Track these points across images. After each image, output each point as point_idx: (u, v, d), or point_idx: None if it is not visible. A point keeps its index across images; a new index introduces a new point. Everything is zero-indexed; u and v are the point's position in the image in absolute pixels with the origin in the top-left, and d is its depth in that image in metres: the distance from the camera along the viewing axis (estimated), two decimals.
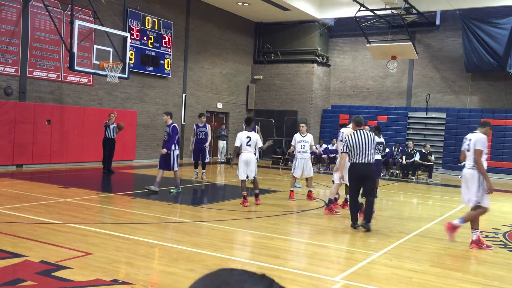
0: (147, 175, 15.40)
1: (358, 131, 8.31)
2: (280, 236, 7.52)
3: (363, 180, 8.13)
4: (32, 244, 6.23)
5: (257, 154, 10.49)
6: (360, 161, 8.08)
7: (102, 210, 9.36)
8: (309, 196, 11.45)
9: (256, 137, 10.12)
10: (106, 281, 4.97)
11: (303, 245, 7.03)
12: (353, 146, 8.14)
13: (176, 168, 11.30)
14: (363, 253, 6.71)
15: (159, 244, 6.63)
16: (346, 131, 9.50)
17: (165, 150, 11.07)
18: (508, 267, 6.42)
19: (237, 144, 10.08)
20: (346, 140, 8.27)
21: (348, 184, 8.55)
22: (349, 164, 8.34)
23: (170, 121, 11.31)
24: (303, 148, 11.24)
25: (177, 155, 11.35)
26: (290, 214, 9.52)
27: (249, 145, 10.00)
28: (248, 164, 9.99)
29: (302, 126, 11.72)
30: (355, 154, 8.12)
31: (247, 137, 10.03)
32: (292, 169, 11.38)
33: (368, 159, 8.11)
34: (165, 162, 11.25)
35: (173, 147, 11.18)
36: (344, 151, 8.30)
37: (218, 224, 8.29)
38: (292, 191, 11.41)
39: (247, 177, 10.04)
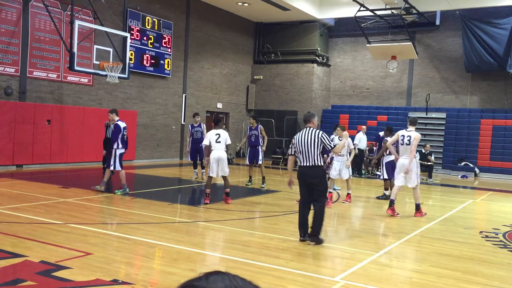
0: (147, 175, 15.41)
1: (305, 129, 7.35)
2: (280, 236, 7.52)
3: (310, 185, 7.18)
4: (32, 244, 6.23)
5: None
6: (304, 164, 7.15)
7: (102, 210, 9.36)
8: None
9: (226, 135, 10.15)
10: (106, 281, 4.97)
11: (303, 245, 7.03)
12: (297, 147, 7.28)
13: (118, 168, 10.84)
14: (363, 253, 6.70)
15: (159, 244, 6.63)
16: (415, 135, 9.79)
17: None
18: (508, 267, 6.42)
19: (205, 142, 10.18)
20: (292, 141, 7.51)
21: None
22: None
23: (116, 119, 10.99)
24: (341, 152, 11.31)
25: (120, 154, 10.89)
26: (290, 214, 9.52)
27: (219, 142, 10.06)
28: (218, 162, 10.02)
29: (340, 130, 11.52)
30: (300, 156, 7.22)
31: (216, 134, 10.10)
32: (329, 171, 11.43)
33: (311, 161, 7.10)
34: (108, 160, 10.95)
35: (115, 146, 10.79)
36: (291, 153, 7.49)
37: (218, 224, 8.29)
38: (330, 192, 11.41)
39: (217, 175, 10.11)
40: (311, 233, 7.06)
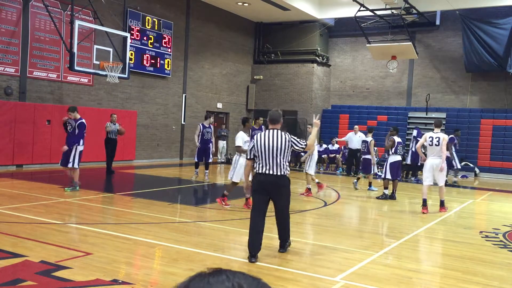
0: (147, 175, 15.41)
1: (270, 131, 6.24)
2: None
3: (272, 197, 6.26)
4: (32, 244, 6.24)
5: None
6: (267, 172, 6.12)
7: (102, 210, 9.36)
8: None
9: (236, 136, 9.79)
10: (106, 281, 4.97)
11: (303, 245, 7.03)
12: (259, 151, 6.16)
13: (76, 166, 10.80)
14: (363, 253, 6.71)
15: (159, 244, 6.63)
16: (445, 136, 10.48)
17: (65, 147, 10.76)
18: (508, 267, 6.42)
19: (243, 145, 9.61)
20: (253, 143, 6.31)
21: (251, 202, 6.50)
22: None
23: (78, 116, 10.96)
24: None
25: (81, 152, 10.89)
26: (290, 214, 9.51)
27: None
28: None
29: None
30: (261, 161, 6.15)
31: (245, 141, 9.63)
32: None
33: (279, 170, 6.13)
34: (66, 158, 10.84)
35: (80, 143, 10.82)
36: (249, 157, 6.33)
37: (218, 224, 8.29)
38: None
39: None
40: (282, 244, 6.47)
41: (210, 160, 14.24)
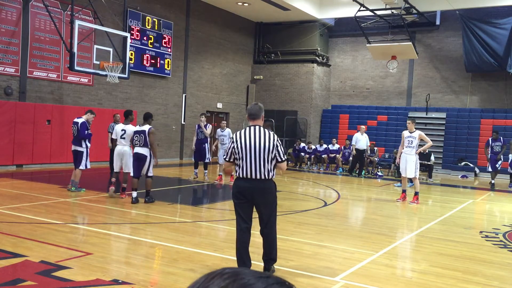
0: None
1: (251, 128, 5.37)
2: (280, 236, 7.49)
3: (255, 205, 5.39)
4: (32, 244, 6.24)
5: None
6: (249, 176, 5.27)
7: (102, 210, 9.36)
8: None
9: (131, 130, 10.14)
10: (106, 281, 4.98)
11: (303, 245, 7.03)
12: (240, 152, 5.30)
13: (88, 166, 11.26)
14: (363, 253, 6.70)
15: (159, 244, 6.63)
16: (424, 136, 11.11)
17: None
18: (508, 267, 6.42)
19: (113, 136, 10.58)
20: (232, 142, 5.43)
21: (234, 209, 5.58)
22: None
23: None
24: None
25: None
26: (290, 214, 9.52)
27: (123, 138, 10.29)
28: (122, 157, 10.30)
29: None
30: (242, 164, 5.29)
31: (122, 129, 10.31)
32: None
33: (263, 173, 5.28)
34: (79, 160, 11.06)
35: (87, 144, 11.11)
36: (228, 159, 5.44)
37: (218, 224, 8.29)
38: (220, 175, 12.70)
39: (119, 169, 10.45)
40: (266, 266, 5.50)
41: (209, 160, 14.25)
